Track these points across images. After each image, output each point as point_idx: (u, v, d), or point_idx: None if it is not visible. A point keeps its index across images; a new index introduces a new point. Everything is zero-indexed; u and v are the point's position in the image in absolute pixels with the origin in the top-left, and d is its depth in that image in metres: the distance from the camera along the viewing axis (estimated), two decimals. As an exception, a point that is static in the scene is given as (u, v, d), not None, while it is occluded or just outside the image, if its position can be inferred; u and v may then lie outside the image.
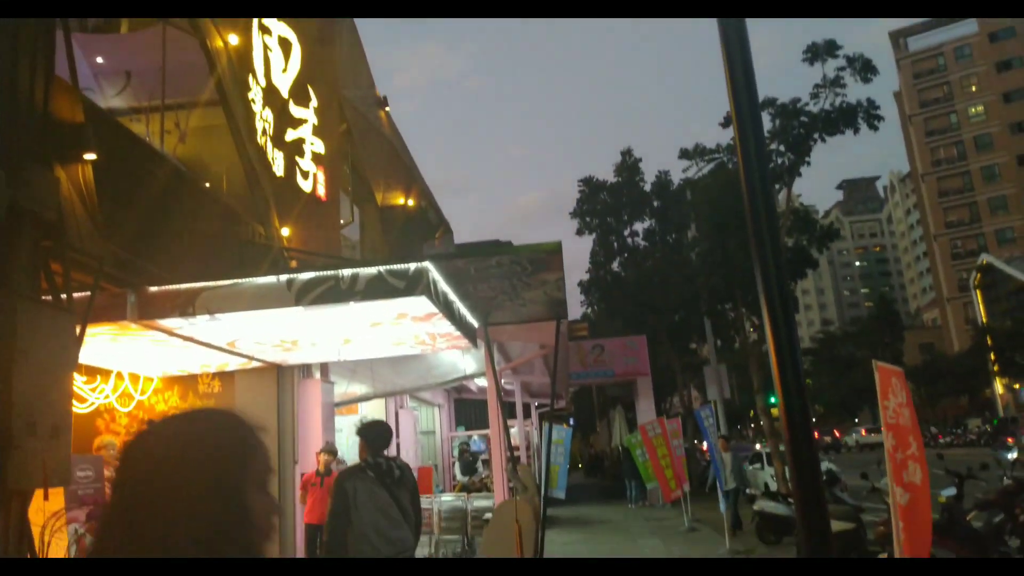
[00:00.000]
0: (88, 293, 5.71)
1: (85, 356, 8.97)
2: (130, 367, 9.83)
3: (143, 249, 6.95)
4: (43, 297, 5.35)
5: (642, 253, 27.63)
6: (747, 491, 13.42)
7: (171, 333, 7.45)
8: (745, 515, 11.73)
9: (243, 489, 1.42)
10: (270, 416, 10.24)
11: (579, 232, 28.31)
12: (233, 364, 9.90)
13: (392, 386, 12.53)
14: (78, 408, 9.68)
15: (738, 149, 3.28)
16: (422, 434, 20.32)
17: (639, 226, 28.16)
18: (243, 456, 1.46)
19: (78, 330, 5.44)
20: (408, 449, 16.03)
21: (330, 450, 8.71)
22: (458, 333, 8.90)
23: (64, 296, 5.43)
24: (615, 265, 28.62)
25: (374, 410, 15.64)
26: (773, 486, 16.01)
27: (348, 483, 4.76)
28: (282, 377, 10.39)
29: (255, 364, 10.08)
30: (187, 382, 10.65)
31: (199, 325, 7.33)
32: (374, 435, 5.04)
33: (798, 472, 2.91)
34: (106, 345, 8.24)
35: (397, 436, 15.75)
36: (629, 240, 27.96)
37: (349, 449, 15.42)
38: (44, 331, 4.81)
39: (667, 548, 11.25)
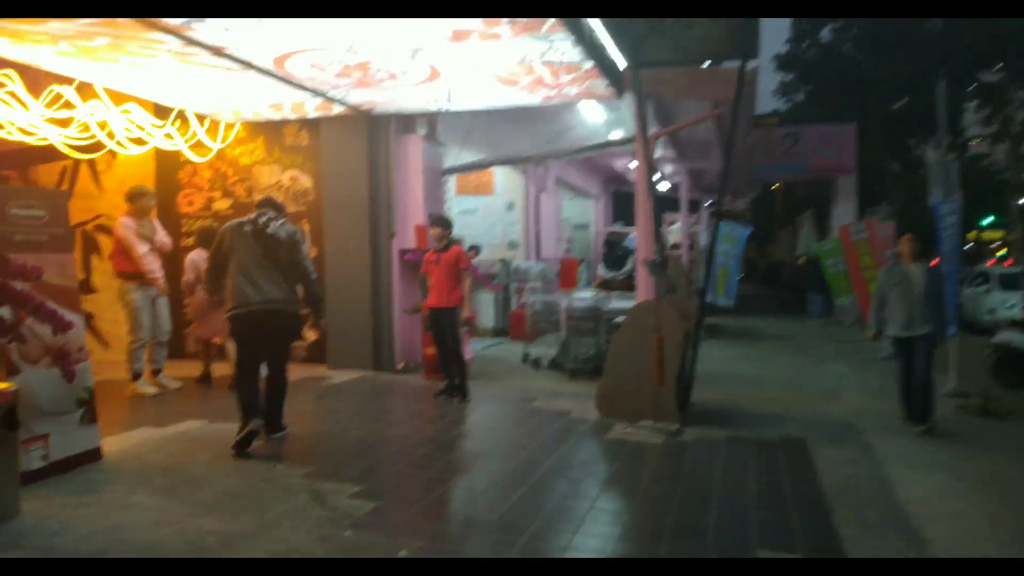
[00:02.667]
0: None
1: (133, 86, 7.22)
2: (191, 103, 8.02)
3: None
4: None
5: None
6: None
7: (179, 34, 5.32)
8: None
9: None
10: (359, 178, 8.25)
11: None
12: (309, 106, 7.82)
13: (513, 151, 10.11)
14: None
15: None
16: (575, 227, 18.15)
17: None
18: None
19: None
20: (549, 238, 13.92)
21: (443, 223, 6.68)
22: (590, 63, 6.15)
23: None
24: (826, 32, 23.28)
25: (511, 191, 13.46)
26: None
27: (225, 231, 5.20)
28: (374, 130, 8.23)
29: (337, 110, 7.95)
30: (272, 132, 8.81)
31: (211, 26, 5.15)
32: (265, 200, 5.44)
33: None
34: (136, 70, 6.36)
35: (537, 223, 13.61)
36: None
37: (485, 233, 13.55)
38: None
39: (857, 377, 8.64)
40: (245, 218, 5.25)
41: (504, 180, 13.53)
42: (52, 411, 4.30)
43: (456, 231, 13.50)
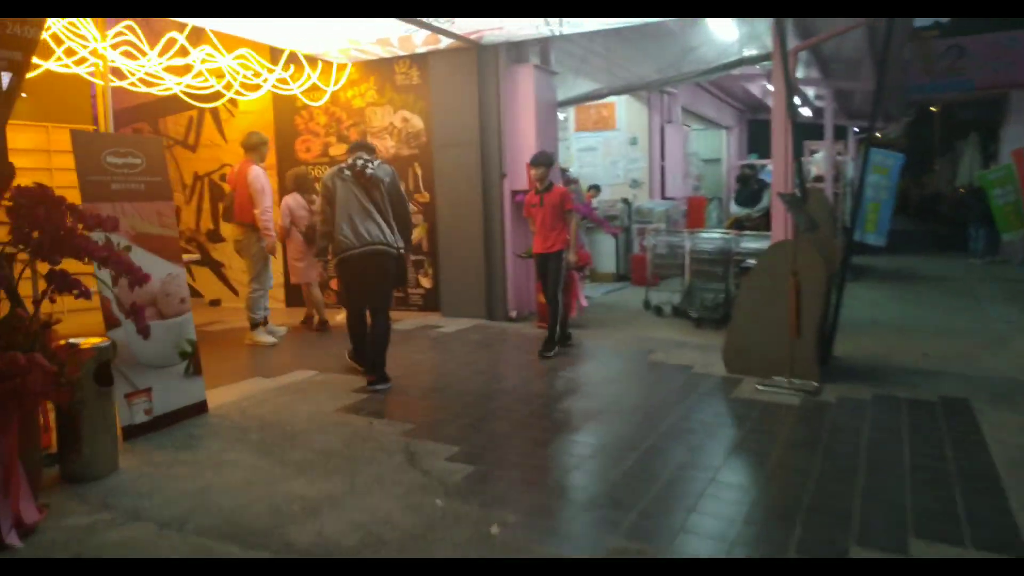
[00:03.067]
0: None
1: (240, 27, 7.10)
2: (301, 43, 7.85)
3: None
4: None
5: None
6: None
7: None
8: None
9: None
10: (469, 115, 7.85)
11: None
12: (417, 39, 7.45)
13: (634, 77, 9.25)
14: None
15: None
16: (705, 162, 16.98)
17: None
18: None
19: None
20: (675, 174, 13.04)
21: (544, 161, 6.14)
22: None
23: None
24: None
25: (635, 124, 12.65)
26: None
27: (328, 180, 5.21)
28: (484, 62, 7.77)
29: (446, 43, 7.54)
30: (383, 71, 8.55)
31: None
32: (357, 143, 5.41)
33: None
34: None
35: (662, 158, 12.76)
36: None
37: (607, 171, 12.90)
38: None
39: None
40: (343, 164, 5.24)
41: (626, 113, 12.72)
42: (155, 364, 4.26)
43: (575, 170, 13.09)
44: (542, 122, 7.90)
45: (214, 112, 9.81)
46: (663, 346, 6.47)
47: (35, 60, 6.97)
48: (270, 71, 8.17)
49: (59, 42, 6.44)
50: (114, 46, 7.12)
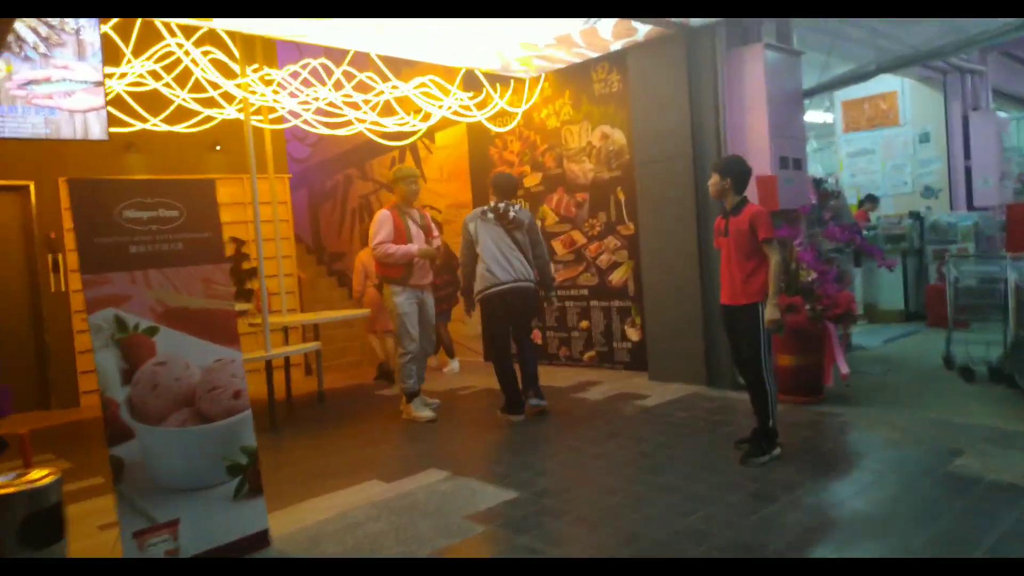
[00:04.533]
0: None
1: (408, 49, 6.14)
2: (477, 58, 6.73)
3: None
4: None
5: None
6: None
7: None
8: None
9: None
10: (678, 121, 6.09)
11: None
12: (604, 31, 5.92)
13: (905, 48, 6.58)
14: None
15: None
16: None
17: None
18: None
19: None
20: (986, 176, 9.76)
21: (724, 168, 4.12)
22: None
23: None
24: None
25: (925, 116, 9.78)
26: None
27: (469, 223, 5.52)
28: (695, 48, 5.99)
29: (643, 31, 5.91)
30: (578, 80, 7.15)
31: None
32: (500, 184, 5.56)
33: None
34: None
35: (967, 157, 9.68)
36: None
37: (888, 178, 10.17)
38: None
39: None
40: (485, 207, 5.51)
41: (913, 102, 9.93)
42: (189, 485, 3.16)
43: (847, 178, 10.47)
44: (778, 118, 5.87)
45: (414, 149, 9.11)
46: (975, 440, 4.12)
47: (204, 111, 6.77)
48: (448, 95, 7.16)
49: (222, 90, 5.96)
50: (270, 84, 6.58)
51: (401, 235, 5.56)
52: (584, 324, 7.25)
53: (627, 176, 6.74)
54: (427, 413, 5.59)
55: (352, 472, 4.40)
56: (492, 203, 5.45)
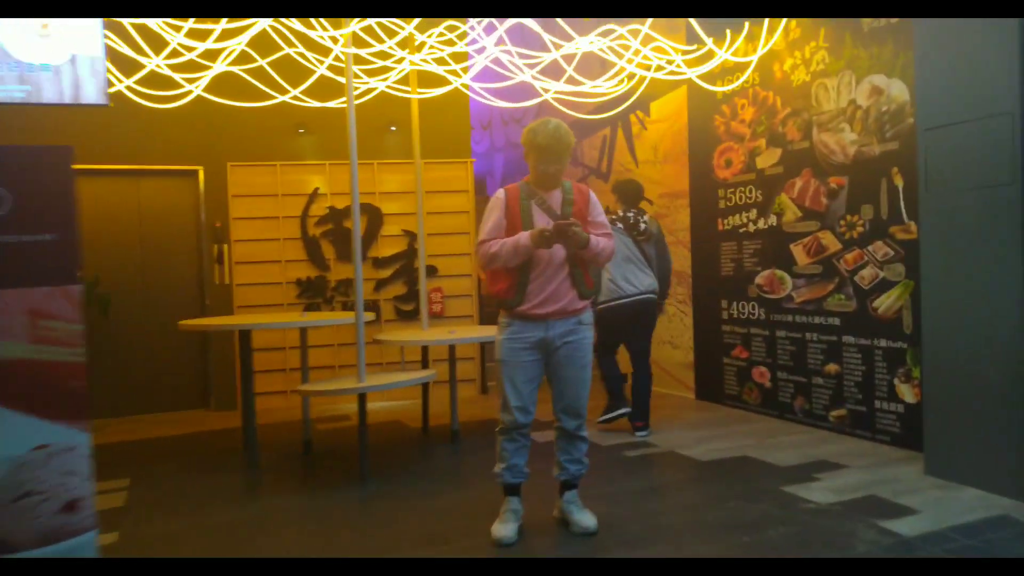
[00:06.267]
0: None
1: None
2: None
3: None
4: None
5: None
6: None
7: None
8: None
9: None
10: (1005, 54, 3.70)
11: None
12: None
13: None
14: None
15: None
16: None
17: None
18: None
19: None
20: None
21: None
22: None
23: None
24: None
25: None
26: None
27: None
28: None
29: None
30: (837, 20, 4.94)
31: None
32: (625, 191, 5.40)
33: None
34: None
35: None
36: None
37: None
38: None
39: None
40: (615, 215, 5.21)
41: None
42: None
43: None
44: None
45: (625, 126, 7.40)
46: None
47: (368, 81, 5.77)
48: (672, 53, 5.39)
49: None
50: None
51: (517, 229, 3.30)
52: (832, 368, 5.05)
53: (908, 151, 4.44)
54: (503, 531, 3.36)
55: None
56: (620, 212, 5.27)
